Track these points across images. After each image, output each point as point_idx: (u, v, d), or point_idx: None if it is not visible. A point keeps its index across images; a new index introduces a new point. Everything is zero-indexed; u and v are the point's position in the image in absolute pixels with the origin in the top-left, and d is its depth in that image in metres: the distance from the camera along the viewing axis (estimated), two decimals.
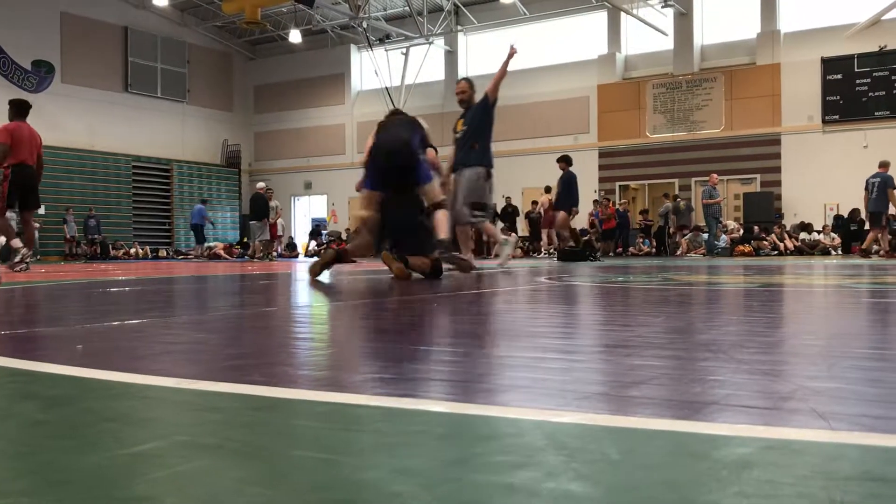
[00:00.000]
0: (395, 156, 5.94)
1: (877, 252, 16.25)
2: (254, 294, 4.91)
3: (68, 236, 24.19)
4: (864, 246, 15.70)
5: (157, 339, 2.32)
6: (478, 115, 8.21)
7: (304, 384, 1.52)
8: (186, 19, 28.64)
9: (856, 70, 21.18)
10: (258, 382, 1.48)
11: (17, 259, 8.90)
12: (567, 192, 13.96)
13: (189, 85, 28.99)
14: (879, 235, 15.57)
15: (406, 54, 26.36)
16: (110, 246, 24.84)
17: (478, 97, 8.28)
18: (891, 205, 15.37)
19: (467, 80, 8.55)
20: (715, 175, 19.55)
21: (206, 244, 23.50)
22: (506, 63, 8.23)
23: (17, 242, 9.07)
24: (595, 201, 22.96)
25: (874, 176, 15.54)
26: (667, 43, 23.35)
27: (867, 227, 19.65)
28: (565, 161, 14.50)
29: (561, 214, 13.99)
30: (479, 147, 8.24)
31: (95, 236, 24.65)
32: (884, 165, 15.58)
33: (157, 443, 1.03)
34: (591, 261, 13.73)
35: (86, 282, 6.80)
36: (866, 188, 15.70)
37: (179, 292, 5.39)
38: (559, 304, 3.92)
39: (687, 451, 0.98)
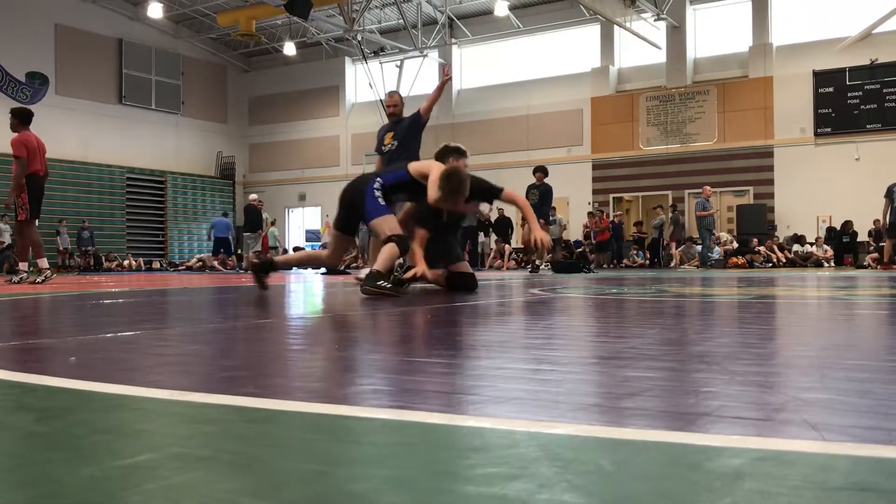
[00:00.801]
0: (343, 196, 5.91)
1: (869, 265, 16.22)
2: (247, 306, 4.90)
3: (61, 248, 24.11)
4: (885, 259, 15.26)
5: (150, 351, 2.32)
6: (410, 131, 8.04)
7: (298, 396, 1.52)
8: (181, 31, 28.67)
9: (847, 83, 21.30)
10: (251, 394, 1.48)
11: (41, 279, 9.19)
12: (541, 204, 13.91)
13: (183, 97, 28.99)
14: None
15: (400, 67, 26.42)
16: (103, 258, 24.77)
17: (409, 111, 8.25)
18: None
19: (398, 93, 8.45)
20: (708, 187, 19.61)
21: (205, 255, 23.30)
22: (440, 87, 8.07)
23: (43, 262, 9.43)
24: (589, 213, 23.00)
25: None
26: (660, 56, 23.46)
27: (860, 238, 19.74)
28: (543, 172, 14.44)
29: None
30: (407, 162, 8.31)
31: (89, 248, 24.57)
32: None
33: (150, 455, 1.03)
34: (585, 273, 13.74)
35: (79, 294, 6.78)
36: (888, 195, 15.00)
37: (173, 304, 5.38)
38: (553, 315, 3.92)
39: (680, 463, 0.98)
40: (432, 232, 6.02)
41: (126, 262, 25.17)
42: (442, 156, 6.14)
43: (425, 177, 5.71)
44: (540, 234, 5.79)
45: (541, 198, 14.09)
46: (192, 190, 29.49)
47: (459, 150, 6.26)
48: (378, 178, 5.77)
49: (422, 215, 6.02)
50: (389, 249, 5.41)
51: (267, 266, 6.11)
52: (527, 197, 12.12)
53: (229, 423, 1.26)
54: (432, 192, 5.56)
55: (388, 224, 5.58)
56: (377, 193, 5.66)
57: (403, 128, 8.11)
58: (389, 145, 8.05)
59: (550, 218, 22.10)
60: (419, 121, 8.07)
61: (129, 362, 2.06)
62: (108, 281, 11.27)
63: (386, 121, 8.35)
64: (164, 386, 1.59)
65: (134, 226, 27.55)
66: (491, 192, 5.99)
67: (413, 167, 5.88)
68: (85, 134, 25.85)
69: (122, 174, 27.04)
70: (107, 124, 26.50)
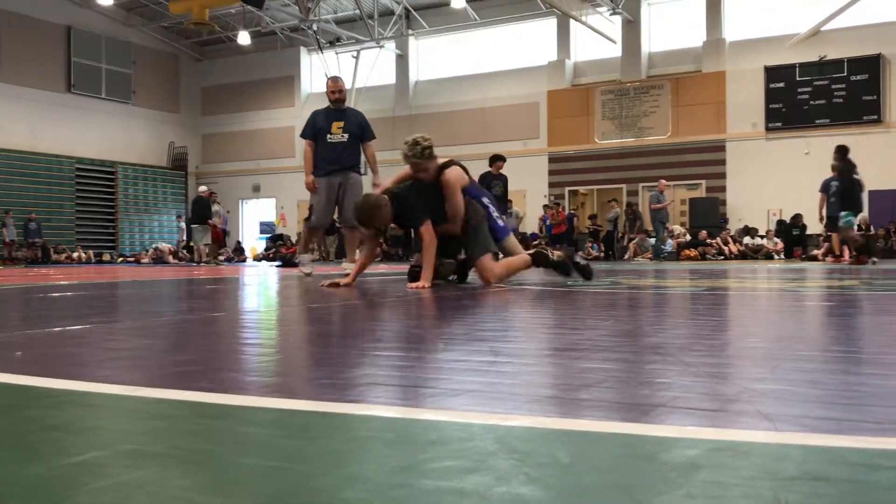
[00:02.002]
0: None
1: (817, 256, 16.64)
2: (200, 299, 4.84)
3: (7, 240, 23.54)
4: (837, 252, 15.40)
5: (101, 346, 2.27)
6: (361, 126, 8.02)
7: (253, 391, 1.50)
8: (132, 19, 28.10)
9: (797, 79, 21.72)
10: (206, 389, 1.45)
11: None
12: (505, 194, 13.74)
13: (135, 86, 28.44)
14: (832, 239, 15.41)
15: (357, 58, 26.26)
16: (52, 250, 24.25)
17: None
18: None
19: (342, 79, 8.28)
20: (663, 181, 19.84)
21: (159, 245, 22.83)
22: (375, 169, 7.97)
23: None
24: (545, 206, 23.16)
25: (833, 178, 14.94)
26: (615, 50, 23.67)
27: (810, 231, 20.18)
28: (503, 160, 13.84)
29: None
30: (359, 159, 8.13)
31: (36, 240, 24.03)
32: (837, 169, 15.29)
33: (100, 452, 1.00)
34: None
35: (25, 287, 6.62)
36: (825, 190, 15.14)
37: (124, 297, 5.29)
38: (509, 307, 3.94)
39: (636, 454, 0.99)
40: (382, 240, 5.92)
41: (75, 255, 24.68)
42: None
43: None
44: (424, 284, 5.32)
45: (504, 188, 13.86)
46: (144, 181, 28.98)
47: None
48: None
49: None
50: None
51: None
52: (490, 189, 11.81)
53: (182, 418, 1.24)
54: (457, 222, 5.72)
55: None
56: None
57: (354, 122, 7.98)
58: (339, 135, 7.88)
59: (508, 209, 22.23)
60: (366, 132, 8.05)
61: (78, 357, 2.02)
62: (57, 274, 11.04)
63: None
64: (114, 381, 1.56)
65: (83, 217, 26.98)
66: (412, 222, 5.68)
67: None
68: (32, 123, 25.24)
69: (72, 164, 26.46)
70: (55, 113, 25.90)
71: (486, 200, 6.01)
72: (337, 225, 12.41)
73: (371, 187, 7.24)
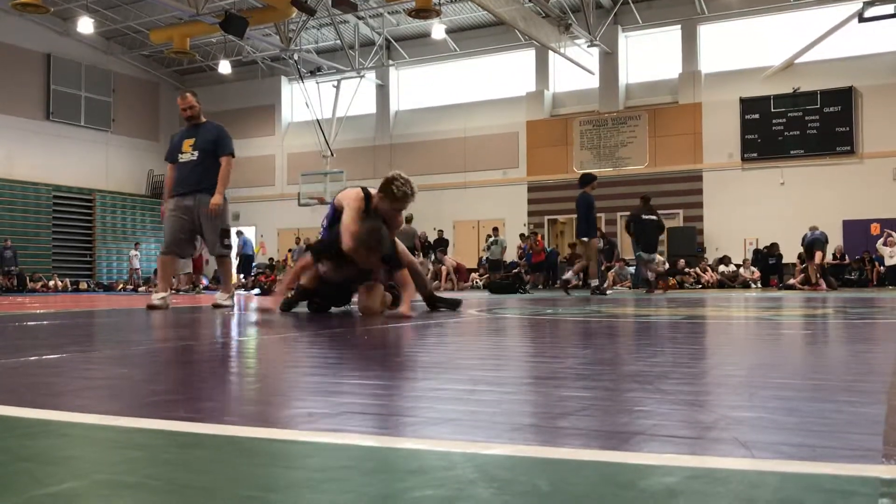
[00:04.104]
0: None
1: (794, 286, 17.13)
2: (178, 328, 4.80)
3: None
4: (813, 280, 17.07)
5: (77, 375, 2.25)
6: (215, 142, 7.25)
7: (230, 419, 1.49)
8: (112, 47, 28.09)
9: (772, 110, 22.06)
10: (182, 418, 1.44)
11: None
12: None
13: (114, 114, 28.36)
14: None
15: (337, 87, 26.37)
16: (28, 278, 23.97)
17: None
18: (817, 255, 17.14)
19: (194, 93, 7.46)
20: None
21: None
22: (221, 188, 7.19)
23: None
24: (521, 235, 23.27)
25: (811, 231, 17.56)
26: (593, 81, 23.95)
27: (786, 260, 20.40)
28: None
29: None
30: (216, 178, 7.19)
31: (12, 268, 23.75)
32: (814, 229, 17.49)
33: (75, 482, 0.99)
34: (521, 293, 13.84)
35: (0, 315, 6.54)
36: (803, 242, 17.64)
37: (100, 326, 5.23)
38: (489, 336, 3.94)
39: (615, 481, 0.99)
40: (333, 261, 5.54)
41: (52, 283, 24.41)
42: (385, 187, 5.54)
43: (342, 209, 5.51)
44: (406, 312, 5.22)
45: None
46: (122, 209, 28.78)
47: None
48: (329, 211, 5.86)
49: (320, 249, 5.66)
50: (305, 260, 5.70)
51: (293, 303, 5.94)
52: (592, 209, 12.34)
53: (158, 448, 1.23)
54: (346, 239, 5.29)
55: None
56: (324, 223, 5.82)
57: (207, 139, 7.23)
58: (189, 154, 7.19)
59: (492, 238, 22.26)
60: (227, 145, 7.31)
61: (53, 386, 1.99)
62: (33, 302, 10.91)
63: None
64: (90, 410, 1.54)
65: (60, 245, 26.73)
66: (391, 262, 5.55)
67: (336, 201, 5.67)
68: (10, 150, 25.06)
69: (49, 192, 26.25)
70: (33, 141, 25.72)
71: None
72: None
73: (209, 206, 6.97)
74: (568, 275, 12.85)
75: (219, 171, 7.18)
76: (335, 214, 5.68)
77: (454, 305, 6.30)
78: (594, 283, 12.85)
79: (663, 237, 22.93)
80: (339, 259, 5.43)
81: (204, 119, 7.42)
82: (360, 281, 5.63)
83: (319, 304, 5.85)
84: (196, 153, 7.16)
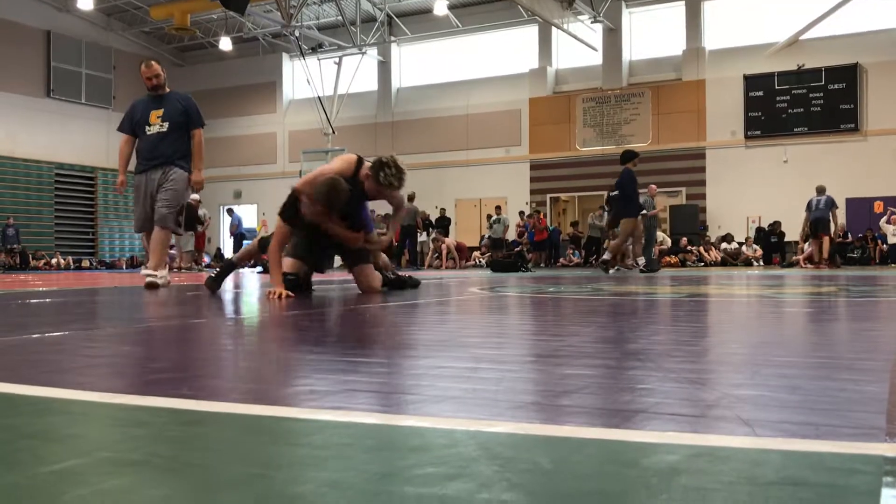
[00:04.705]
0: None
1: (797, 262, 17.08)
2: (181, 305, 4.81)
3: None
4: (819, 259, 16.49)
5: (80, 352, 2.25)
6: (186, 112, 6.90)
7: (233, 397, 1.49)
8: (112, 24, 27.93)
9: (776, 87, 21.93)
10: (186, 396, 1.44)
11: None
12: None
13: (115, 91, 28.25)
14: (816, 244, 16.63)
15: (339, 64, 26.22)
16: (30, 256, 24.00)
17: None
18: (832, 223, 16.48)
19: (159, 62, 7.10)
20: (653, 186, 19.71)
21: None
22: (198, 162, 6.92)
23: None
24: (521, 213, 23.25)
25: (818, 195, 16.60)
26: (596, 58, 23.80)
27: (788, 238, 20.36)
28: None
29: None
30: (185, 150, 6.90)
31: (14, 246, 23.78)
32: (821, 191, 16.63)
33: (79, 460, 0.99)
34: (523, 271, 13.85)
35: (3, 293, 6.56)
36: (808, 207, 16.66)
37: (103, 304, 5.25)
38: (491, 314, 3.94)
39: (617, 460, 0.99)
40: (311, 234, 5.40)
41: (54, 261, 24.45)
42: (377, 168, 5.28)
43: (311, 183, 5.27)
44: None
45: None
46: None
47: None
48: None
49: (286, 210, 5.36)
50: (250, 246, 5.86)
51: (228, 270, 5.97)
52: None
53: (162, 425, 1.23)
54: (301, 184, 5.22)
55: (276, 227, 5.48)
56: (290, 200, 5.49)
57: (177, 109, 6.86)
58: (157, 126, 6.83)
59: (495, 217, 22.22)
60: (199, 121, 6.96)
61: (56, 364, 2.00)
62: (36, 280, 10.93)
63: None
64: (93, 388, 1.55)
65: (63, 223, 26.74)
66: (351, 220, 5.44)
67: (298, 184, 5.42)
68: (11, 128, 24.99)
69: (51, 170, 26.23)
70: (34, 118, 25.66)
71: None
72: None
73: (188, 182, 6.78)
74: (606, 255, 12.69)
75: (187, 144, 6.89)
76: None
77: (405, 285, 6.14)
78: (641, 261, 12.84)
79: (666, 215, 22.94)
80: (310, 228, 5.35)
81: (168, 89, 7.06)
82: (337, 250, 5.59)
83: (296, 280, 5.48)
84: (166, 124, 6.81)
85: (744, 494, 0.81)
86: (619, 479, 0.88)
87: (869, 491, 0.82)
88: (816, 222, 16.39)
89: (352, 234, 5.45)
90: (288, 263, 5.38)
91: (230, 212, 22.81)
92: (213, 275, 6.02)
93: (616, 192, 13.24)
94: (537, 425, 1.19)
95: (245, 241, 24.24)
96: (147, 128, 6.84)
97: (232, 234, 22.57)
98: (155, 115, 6.83)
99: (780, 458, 0.97)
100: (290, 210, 5.30)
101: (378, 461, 0.98)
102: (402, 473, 0.90)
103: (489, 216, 23.10)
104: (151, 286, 6.47)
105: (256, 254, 6.21)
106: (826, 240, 16.42)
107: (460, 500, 0.79)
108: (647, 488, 0.84)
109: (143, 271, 6.82)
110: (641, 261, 12.70)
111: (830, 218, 16.30)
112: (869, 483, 0.85)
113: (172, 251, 17.58)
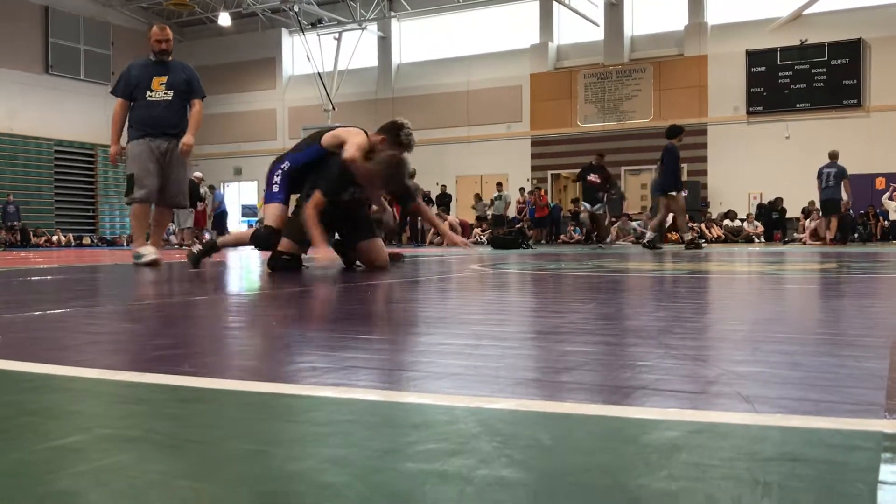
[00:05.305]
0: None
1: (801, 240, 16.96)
2: (182, 282, 4.81)
3: None
4: (827, 236, 16.15)
5: (80, 330, 2.26)
6: (189, 81, 6.73)
7: (233, 374, 1.49)
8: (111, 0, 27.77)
9: (779, 63, 21.80)
10: (186, 373, 1.45)
11: None
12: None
13: (114, 67, 28.05)
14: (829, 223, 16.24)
15: (339, 39, 26.05)
16: (31, 233, 24.00)
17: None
18: (844, 194, 15.75)
19: (168, 28, 6.87)
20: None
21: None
22: (193, 130, 6.73)
23: None
24: (521, 189, 23.21)
25: (828, 166, 15.80)
26: (598, 33, 23.65)
27: (789, 214, 20.32)
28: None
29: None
30: (186, 122, 6.72)
31: (15, 223, 23.78)
32: (834, 156, 15.84)
33: (79, 436, 1.00)
34: (524, 248, 13.85)
35: (4, 270, 6.56)
36: (819, 177, 15.94)
37: (104, 281, 5.25)
38: (492, 291, 3.94)
39: (617, 436, 0.99)
40: (333, 205, 5.27)
41: (55, 238, 24.45)
42: (389, 131, 5.37)
43: (340, 146, 5.21)
44: (457, 240, 5.67)
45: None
46: (124, 163, 28.60)
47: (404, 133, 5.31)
48: (286, 161, 5.45)
49: (329, 185, 5.23)
50: (241, 234, 5.45)
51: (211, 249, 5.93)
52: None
53: (162, 402, 1.23)
54: (351, 150, 5.09)
55: (270, 213, 5.33)
56: (276, 179, 5.38)
57: (181, 78, 6.68)
58: (161, 93, 6.59)
59: (496, 194, 22.16)
60: (200, 91, 6.76)
61: (57, 341, 2.00)
62: (36, 257, 10.94)
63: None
64: (94, 365, 1.55)
65: (63, 200, 26.71)
66: (405, 197, 5.67)
67: (327, 139, 5.37)
68: (10, 104, 24.90)
69: (50, 146, 26.16)
70: (33, 94, 25.55)
71: (285, 163, 5.49)
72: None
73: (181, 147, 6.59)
74: (649, 235, 12.53)
75: (187, 115, 6.75)
76: (322, 153, 5.37)
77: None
78: (687, 237, 12.75)
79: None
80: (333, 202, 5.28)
81: (171, 57, 6.80)
82: (346, 224, 5.55)
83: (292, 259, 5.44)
84: (170, 93, 6.59)
85: (744, 470, 0.81)
86: (619, 456, 0.89)
87: (868, 467, 0.82)
88: (827, 203, 15.94)
89: (422, 206, 5.66)
90: (284, 244, 5.34)
91: (212, 188, 22.76)
92: (195, 251, 5.88)
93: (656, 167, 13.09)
94: (538, 402, 1.19)
95: (234, 223, 24.20)
96: (148, 93, 6.57)
97: (213, 210, 22.50)
98: (158, 80, 6.58)
99: (779, 434, 0.97)
100: (337, 187, 5.21)
101: (379, 438, 0.98)
102: (403, 450, 0.91)
103: (476, 195, 23.09)
104: (154, 264, 6.43)
105: (244, 244, 5.99)
106: (835, 220, 16.15)
107: (461, 476, 0.80)
108: (648, 464, 0.84)
109: (142, 249, 6.60)
110: (650, 235, 12.59)
111: (842, 190, 15.65)
112: (868, 459, 0.85)
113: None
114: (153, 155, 6.59)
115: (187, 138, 6.64)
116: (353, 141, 5.20)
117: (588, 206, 15.38)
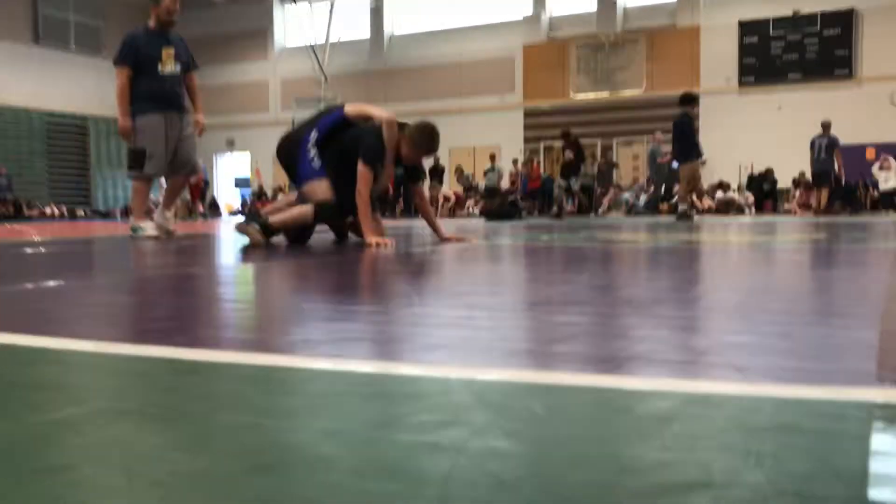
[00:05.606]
0: (278, 155, 5.52)
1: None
2: (176, 255, 4.80)
3: None
4: (818, 207, 16.20)
5: (74, 302, 2.25)
6: (189, 54, 6.63)
7: (228, 346, 1.49)
8: None
9: (771, 34, 21.70)
10: (180, 345, 1.44)
11: None
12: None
13: (105, 39, 27.78)
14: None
15: (331, 10, 25.80)
16: (24, 205, 23.87)
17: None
18: (836, 165, 15.61)
19: None
20: (659, 134, 19.47)
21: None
22: (199, 105, 6.75)
23: None
24: (514, 160, 23.14)
25: (820, 137, 15.66)
26: (590, 4, 23.48)
27: (780, 185, 20.33)
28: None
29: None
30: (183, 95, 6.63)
31: (7, 195, 23.64)
32: (826, 126, 15.68)
33: (74, 409, 1.00)
34: (517, 220, 13.86)
35: None
36: (812, 147, 15.79)
37: (98, 253, 5.23)
38: (485, 262, 3.95)
39: (610, 406, 1.00)
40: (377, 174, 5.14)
41: (48, 210, 24.33)
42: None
43: (365, 117, 5.21)
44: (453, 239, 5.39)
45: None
46: (117, 135, 28.27)
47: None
48: (314, 131, 5.26)
49: (368, 153, 5.04)
50: (302, 210, 5.09)
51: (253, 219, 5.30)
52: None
53: (157, 375, 1.23)
54: (387, 113, 5.16)
55: (320, 190, 5.13)
56: (311, 154, 5.19)
57: (184, 51, 6.56)
58: (171, 66, 6.42)
59: (490, 165, 22.10)
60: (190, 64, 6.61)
61: (51, 313, 2.00)
62: (30, 229, 10.89)
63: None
64: (88, 337, 1.55)
65: (56, 172, 26.52)
66: (416, 173, 5.58)
67: (351, 108, 5.32)
68: None
69: (42, 118, 25.92)
70: (23, 66, 25.25)
71: (313, 134, 5.32)
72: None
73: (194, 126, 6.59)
74: (681, 206, 12.24)
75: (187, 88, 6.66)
76: (341, 122, 5.29)
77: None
78: (682, 207, 12.57)
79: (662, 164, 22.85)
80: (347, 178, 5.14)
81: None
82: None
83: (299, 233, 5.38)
84: (178, 66, 6.44)
85: (737, 440, 0.81)
86: (612, 426, 0.89)
87: (860, 436, 0.83)
88: (818, 175, 15.91)
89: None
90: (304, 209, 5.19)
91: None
92: (257, 227, 5.13)
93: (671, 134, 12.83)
94: (531, 372, 1.20)
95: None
96: (160, 65, 6.36)
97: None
98: (167, 52, 6.38)
99: (772, 404, 0.98)
100: (375, 154, 5.06)
101: (372, 409, 0.98)
102: (397, 421, 0.91)
103: (457, 167, 23.00)
104: (169, 233, 6.48)
105: (302, 223, 5.31)
106: (825, 191, 16.20)
107: (454, 447, 0.80)
108: (641, 434, 0.84)
109: (142, 223, 6.50)
110: (682, 206, 12.25)
111: (834, 161, 15.49)
112: (860, 428, 0.86)
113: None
114: (166, 130, 6.46)
115: (201, 117, 6.70)
116: (369, 108, 5.31)
117: (563, 182, 15.73)
